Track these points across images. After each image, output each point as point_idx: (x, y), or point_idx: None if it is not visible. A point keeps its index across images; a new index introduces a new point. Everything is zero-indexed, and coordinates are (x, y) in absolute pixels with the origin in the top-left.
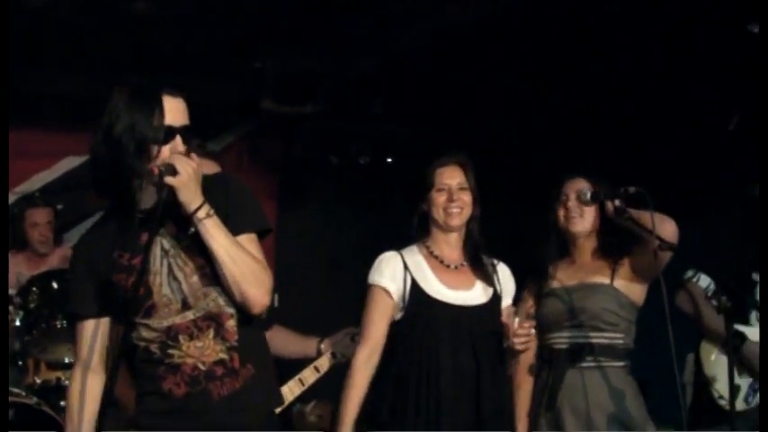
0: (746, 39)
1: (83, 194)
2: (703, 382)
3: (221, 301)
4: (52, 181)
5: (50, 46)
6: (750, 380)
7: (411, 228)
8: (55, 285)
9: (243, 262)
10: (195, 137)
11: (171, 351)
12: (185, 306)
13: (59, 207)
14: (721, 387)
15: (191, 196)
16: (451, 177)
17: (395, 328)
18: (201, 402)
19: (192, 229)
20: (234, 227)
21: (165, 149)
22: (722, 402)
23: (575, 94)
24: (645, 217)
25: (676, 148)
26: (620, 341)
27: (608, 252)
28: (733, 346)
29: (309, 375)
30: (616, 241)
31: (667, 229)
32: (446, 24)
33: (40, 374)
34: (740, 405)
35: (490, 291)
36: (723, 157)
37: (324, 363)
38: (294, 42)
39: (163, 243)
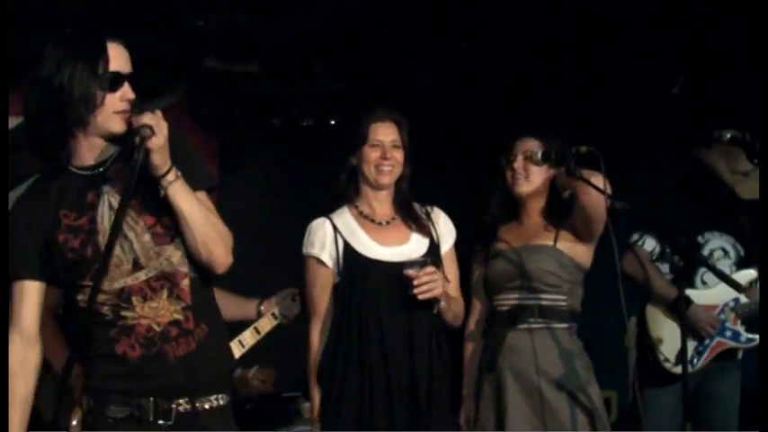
0: None
1: (17, 157)
2: (648, 345)
3: (175, 260)
4: None
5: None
6: (695, 343)
7: (339, 184)
8: None
9: (210, 222)
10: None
11: (124, 313)
12: (137, 266)
13: None
14: (667, 349)
15: (163, 158)
16: (386, 134)
17: (334, 293)
18: (157, 364)
19: (162, 193)
20: (187, 184)
21: (113, 98)
22: (667, 365)
23: (522, 50)
24: (594, 177)
25: (623, 104)
26: (563, 303)
27: (553, 213)
28: (680, 309)
29: (249, 337)
30: (561, 203)
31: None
32: None
33: None
34: None
35: (426, 241)
36: (669, 117)
37: (264, 324)
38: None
39: (110, 201)
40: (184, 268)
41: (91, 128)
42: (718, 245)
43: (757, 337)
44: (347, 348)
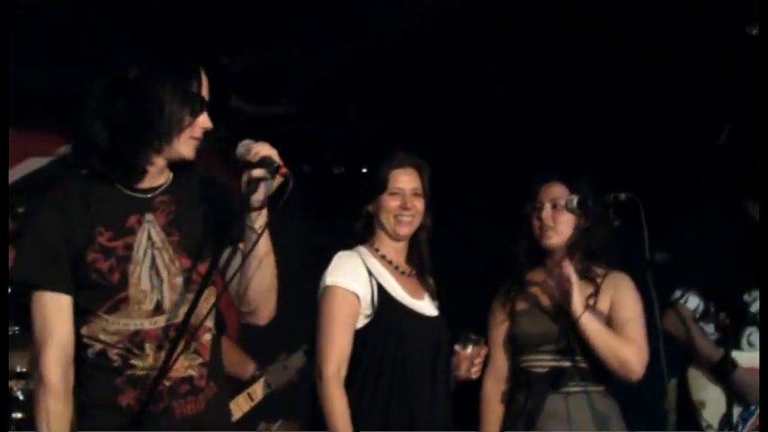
0: (742, 43)
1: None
2: (690, 409)
3: (202, 311)
4: (14, 183)
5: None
6: (740, 409)
7: (353, 233)
8: None
9: (273, 272)
10: None
11: (134, 361)
12: (158, 309)
13: (21, 210)
14: (709, 414)
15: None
16: (406, 181)
17: (359, 337)
18: (163, 422)
19: (259, 229)
20: (230, 238)
21: (195, 123)
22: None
23: (560, 95)
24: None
25: (665, 155)
26: (600, 364)
27: (584, 262)
28: (724, 372)
29: (243, 403)
30: (596, 253)
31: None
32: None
33: None
34: None
35: (435, 303)
36: (715, 169)
37: (257, 391)
38: (261, 38)
39: (150, 231)
40: (210, 322)
41: (165, 148)
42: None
43: None
44: (388, 404)
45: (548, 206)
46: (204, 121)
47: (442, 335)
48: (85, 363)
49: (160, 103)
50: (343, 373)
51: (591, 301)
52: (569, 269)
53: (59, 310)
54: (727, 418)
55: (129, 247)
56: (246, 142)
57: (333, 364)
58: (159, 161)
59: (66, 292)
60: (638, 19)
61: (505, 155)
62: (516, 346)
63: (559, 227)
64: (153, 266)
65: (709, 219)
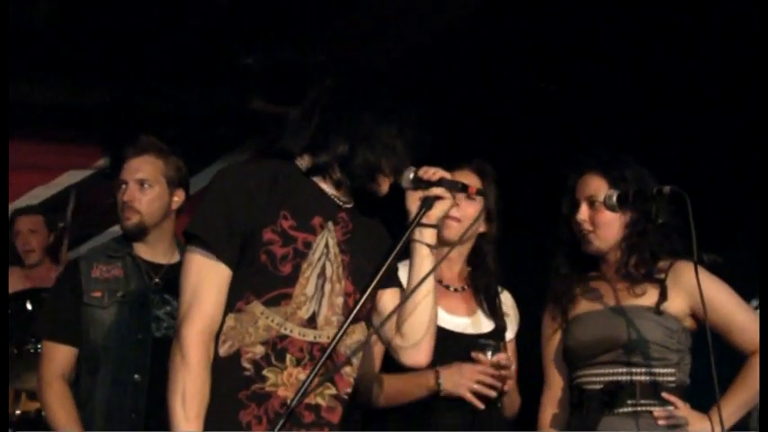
0: None
1: (89, 212)
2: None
3: (350, 341)
4: (52, 196)
5: (50, 54)
6: None
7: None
8: (29, 306)
9: (436, 301)
10: None
11: (267, 373)
12: (311, 322)
13: (61, 225)
14: None
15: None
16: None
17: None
18: None
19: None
20: (395, 279)
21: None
22: None
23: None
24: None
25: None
26: (671, 377)
27: (647, 264)
28: None
29: None
30: (655, 249)
31: None
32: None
33: (20, 405)
34: None
35: (492, 321)
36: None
37: None
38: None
39: (329, 240)
40: (354, 358)
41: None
42: None
43: None
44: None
45: (584, 205)
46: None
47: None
48: (216, 365)
49: (402, 127)
50: None
51: (661, 308)
52: (669, 419)
53: (216, 280)
54: None
55: (308, 246)
56: (412, 166)
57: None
58: (372, 183)
59: (229, 264)
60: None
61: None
62: (569, 361)
63: (600, 230)
64: (322, 275)
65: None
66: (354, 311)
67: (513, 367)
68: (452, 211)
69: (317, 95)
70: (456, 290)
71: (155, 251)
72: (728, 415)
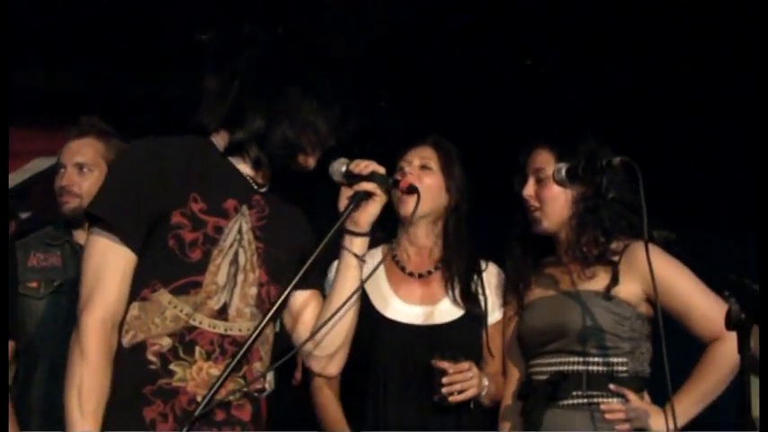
0: None
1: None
2: (745, 425)
3: (261, 336)
4: (17, 184)
5: (20, 36)
6: None
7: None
8: None
9: (357, 312)
10: None
11: (174, 367)
12: (222, 313)
13: (25, 215)
14: None
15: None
16: (416, 153)
17: None
18: None
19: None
20: (315, 280)
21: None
22: None
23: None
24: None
25: (738, 147)
26: (623, 367)
27: (598, 244)
28: None
29: None
30: (608, 227)
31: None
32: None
33: None
34: None
35: (464, 305)
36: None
37: None
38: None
39: (242, 226)
40: (262, 349)
41: (307, 156)
42: None
43: None
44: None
45: (531, 181)
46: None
47: (447, 343)
48: (119, 355)
49: (329, 104)
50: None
51: (612, 292)
52: (615, 413)
53: (120, 266)
54: None
55: (220, 231)
56: (344, 159)
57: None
58: (293, 162)
59: (135, 249)
60: None
61: None
62: (523, 350)
63: (547, 206)
64: (234, 263)
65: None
66: (273, 310)
67: (470, 373)
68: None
69: (235, 67)
70: (421, 275)
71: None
72: (685, 409)
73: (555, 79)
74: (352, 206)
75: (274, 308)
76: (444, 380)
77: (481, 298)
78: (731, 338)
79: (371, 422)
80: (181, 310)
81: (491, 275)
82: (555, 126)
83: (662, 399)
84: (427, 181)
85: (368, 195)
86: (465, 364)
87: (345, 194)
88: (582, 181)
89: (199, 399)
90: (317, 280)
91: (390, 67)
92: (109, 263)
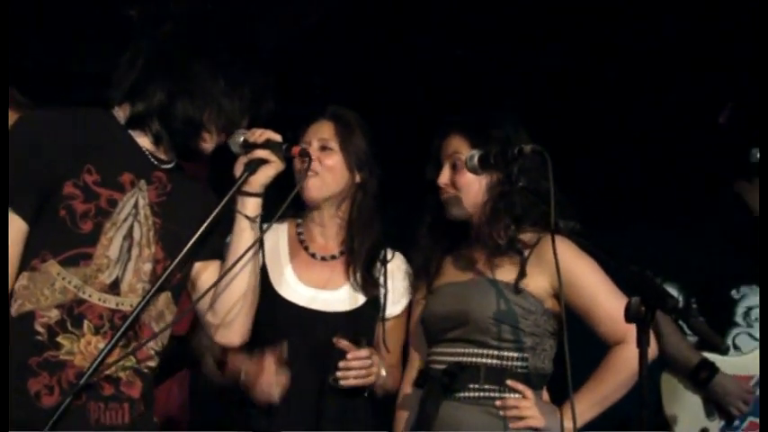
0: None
1: None
2: (662, 424)
3: (154, 311)
4: None
5: None
6: (722, 423)
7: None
8: None
9: (257, 277)
10: None
11: (61, 339)
12: (114, 288)
13: None
14: (684, 431)
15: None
16: (315, 133)
17: None
18: (73, 423)
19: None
20: (213, 250)
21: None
22: None
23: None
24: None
25: (649, 140)
26: (523, 363)
27: (509, 232)
28: (701, 379)
29: None
30: (520, 215)
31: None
32: None
33: None
34: None
35: (363, 295)
36: (706, 154)
37: None
38: None
39: (139, 201)
40: (157, 326)
41: (211, 135)
42: (756, 302)
43: None
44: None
45: (446, 167)
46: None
47: (327, 330)
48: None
49: (238, 87)
50: None
51: (520, 285)
52: (510, 409)
53: (11, 235)
54: None
55: (113, 204)
56: (243, 130)
57: None
58: (193, 141)
59: (25, 218)
60: None
61: None
62: (426, 336)
63: (461, 193)
64: (128, 238)
65: (697, 203)
66: (161, 279)
67: (370, 361)
68: (314, 165)
69: (144, 42)
70: (324, 258)
71: None
72: (582, 411)
73: (479, 67)
74: (246, 173)
75: (159, 281)
76: (341, 364)
77: (382, 290)
78: (634, 343)
79: None
80: (69, 282)
81: (395, 266)
82: (470, 112)
83: (562, 399)
84: (328, 162)
85: (262, 162)
86: (364, 352)
87: (242, 163)
88: (494, 168)
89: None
90: (217, 250)
91: (324, 54)
92: None
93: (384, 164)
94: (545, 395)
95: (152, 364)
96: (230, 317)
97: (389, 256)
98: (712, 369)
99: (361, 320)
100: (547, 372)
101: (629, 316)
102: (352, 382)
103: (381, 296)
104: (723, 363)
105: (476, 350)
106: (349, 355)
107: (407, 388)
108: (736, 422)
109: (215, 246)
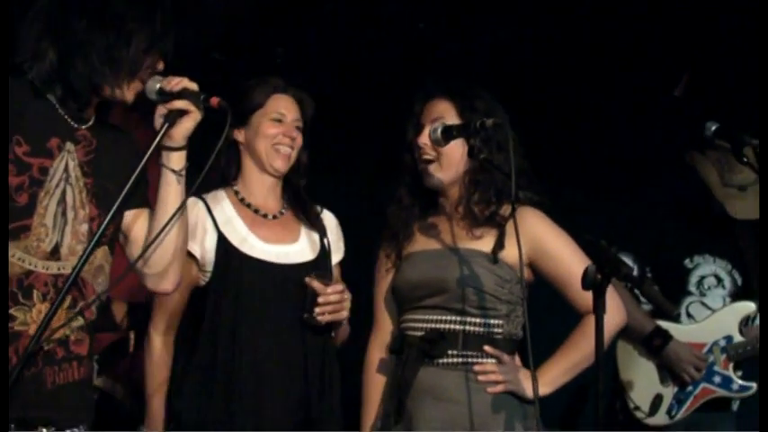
0: None
1: None
2: (616, 389)
3: (92, 267)
4: None
5: None
6: (675, 389)
7: (218, 165)
8: None
9: (187, 226)
10: None
11: (14, 312)
12: (54, 253)
13: None
14: (638, 396)
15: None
16: (289, 109)
17: (198, 300)
18: (31, 389)
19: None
20: (142, 198)
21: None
22: (639, 414)
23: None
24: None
25: (606, 110)
26: (499, 329)
27: (485, 200)
28: (655, 346)
29: None
30: (501, 188)
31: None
32: None
33: None
34: (662, 419)
35: (317, 245)
36: (660, 125)
37: None
38: None
39: (69, 164)
40: (99, 283)
41: (118, 85)
42: (709, 271)
43: (754, 385)
44: (210, 372)
45: (427, 129)
46: (160, 66)
47: (289, 283)
48: None
49: (128, 35)
50: (172, 337)
51: (497, 255)
52: (488, 374)
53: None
54: (658, 400)
55: (45, 172)
56: (159, 77)
57: (167, 328)
58: (102, 95)
59: None
60: None
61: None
62: (398, 302)
63: (443, 158)
64: (62, 202)
65: (648, 173)
66: (96, 236)
67: (347, 295)
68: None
69: (41, 3)
70: (274, 217)
71: None
72: (554, 377)
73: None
74: (166, 125)
75: (95, 237)
76: (320, 299)
77: (325, 240)
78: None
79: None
80: (13, 256)
81: (328, 219)
82: (454, 78)
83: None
84: (299, 139)
85: (181, 113)
86: (339, 285)
87: (160, 113)
88: (454, 140)
89: (44, 344)
90: (145, 198)
91: (287, 24)
92: None
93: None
94: (516, 360)
95: (93, 317)
96: (163, 266)
97: (319, 209)
98: (666, 336)
99: (325, 266)
100: (519, 337)
101: (586, 283)
102: (328, 317)
103: (326, 245)
104: (676, 330)
105: (453, 317)
106: (329, 289)
107: (378, 352)
108: (689, 388)
109: (144, 194)
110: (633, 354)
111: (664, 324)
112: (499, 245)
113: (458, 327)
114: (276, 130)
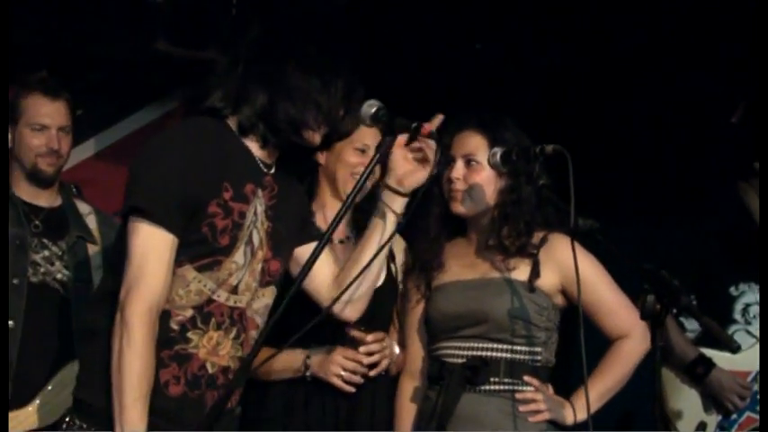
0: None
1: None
2: (663, 418)
3: (260, 305)
4: None
5: None
6: (719, 417)
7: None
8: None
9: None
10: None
11: (191, 335)
12: (235, 289)
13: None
14: (682, 424)
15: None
16: (375, 142)
17: None
18: (193, 411)
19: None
20: (308, 234)
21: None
22: None
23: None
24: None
25: (654, 138)
26: (538, 357)
27: (520, 237)
28: (698, 374)
29: None
30: (529, 220)
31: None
32: None
33: None
34: None
35: (384, 269)
36: (712, 153)
37: None
38: None
39: (257, 208)
40: (261, 319)
41: (316, 131)
42: (754, 299)
43: None
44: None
45: (460, 163)
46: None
47: (382, 306)
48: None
49: (329, 84)
50: None
51: (534, 284)
52: (530, 403)
53: (164, 251)
54: (701, 428)
55: (243, 216)
56: (374, 101)
57: None
58: (298, 137)
59: (176, 233)
60: None
61: None
62: (431, 331)
63: (474, 191)
64: (249, 243)
65: (696, 201)
66: (295, 287)
67: (387, 342)
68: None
69: (242, 47)
70: (342, 242)
71: (38, 194)
72: (596, 401)
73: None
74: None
75: (297, 285)
76: (362, 349)
77: (392, 265)
78: (636, 336)
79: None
80: (205, 285)
81: (397, 243)
82: (483, 111)
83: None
84: (377, 173)
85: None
86: (380, 334)
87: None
88: (515, 166)
89: (207, 365)
90: (314, 234)
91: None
92: (152, 249)
93: None
94: (550, 388)
95: (254, 336)
96: (358, 296)
97: None
98: (709, 364)
99: (392, 292)
100: (553, 364)
101: (645, 313)
102: (376, 369)
103: (393, 271)
104: (720, 358)
105: (494, 345)
106: (369, 338)
107: (410, 381)
108: (734, 416)
109: (311, 229)
110: (677, 382)
111: (708, 352)
112: (535, 273)
113: (501, 354)
114: (358, 159)
